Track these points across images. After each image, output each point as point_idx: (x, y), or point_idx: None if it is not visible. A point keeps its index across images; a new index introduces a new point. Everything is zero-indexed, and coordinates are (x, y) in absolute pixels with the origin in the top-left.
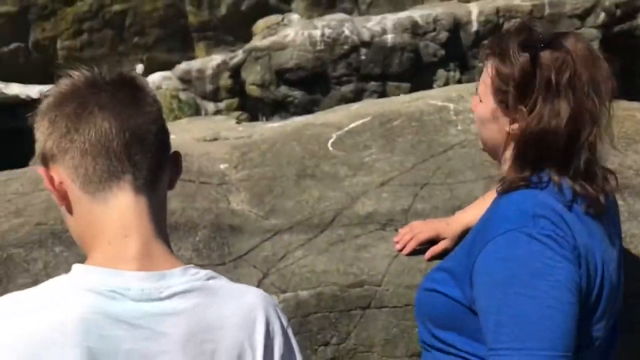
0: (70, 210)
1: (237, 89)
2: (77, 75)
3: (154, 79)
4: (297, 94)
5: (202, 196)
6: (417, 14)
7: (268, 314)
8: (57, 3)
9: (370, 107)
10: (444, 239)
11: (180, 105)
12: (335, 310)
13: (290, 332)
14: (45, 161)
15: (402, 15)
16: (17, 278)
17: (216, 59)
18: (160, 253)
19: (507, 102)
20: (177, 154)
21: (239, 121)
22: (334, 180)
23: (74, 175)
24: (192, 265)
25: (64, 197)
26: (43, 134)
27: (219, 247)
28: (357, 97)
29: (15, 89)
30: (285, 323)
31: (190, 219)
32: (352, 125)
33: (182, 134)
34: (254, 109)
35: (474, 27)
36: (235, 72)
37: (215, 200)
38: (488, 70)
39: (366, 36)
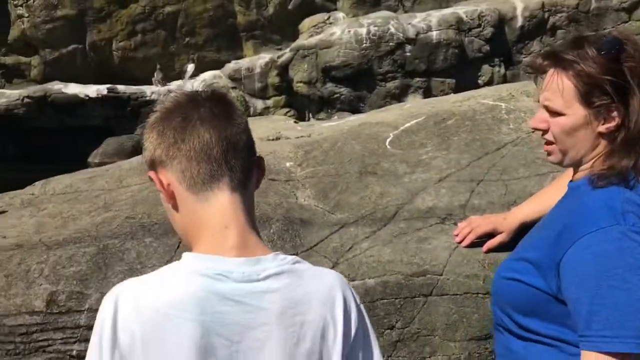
0: (176, 208)
1: (285, 86)
2: (179, 93)
3: (205, 77)
4: (343, 90)
5: (272, 192)
6: (461, 10)
7: (345, 293)
8: (112, 5)
9: (422, 106)
10: (500, 233)
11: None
12: (400, 296)
13: (362, 308)
14: (154, 166)
15: (447, 11)
16: (114, 266)
17: (264, 57)
18: (254, 242)
19: (602, 103)
20: (260, 158)
21: (296, 121)
22: (394, 176)
23: (181, 178)
24: (279, 252)
25: (172, 197)
26: (152, 143)
27: (291, 238)
28: (402, 93)
29: (74, 89)
30: (358, 301)
31: (265, 212)
32: (407, 124)
33: None
34: (300, 105)
35: (519, 22)
36: (283, 70)
37: (284, 195)
38: (562, 82)
39: (411, 33)
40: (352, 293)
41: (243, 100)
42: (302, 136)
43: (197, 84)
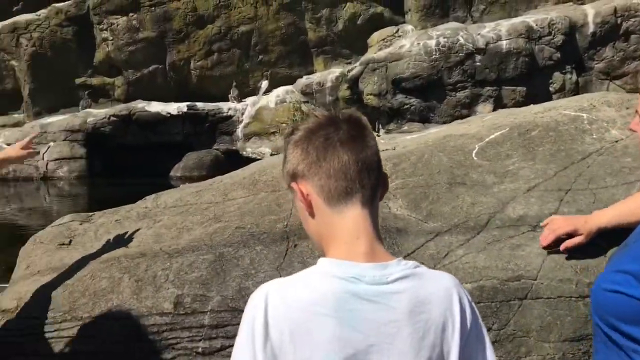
0: (312, 215)
1: (355, 99)
2: (320, 114)
3: (278, 93)
4: (413, 101)
5: None
6: (531, 18)
7: (459, 293)
8: (190, 27)
9: (503, 118)
10: (580, 234)
11: (303, 117)
12: (495, 300)
13: (474, 305)
14: (295, 178)
15: (516, 20)
16: (231, 271)
17: (335, 72)
18: (380, 249)
19: None
20: (385, 175)
21: (378, 134)
22: (483, 187)
23: (319, 192)
24: (401, 258)
25: (309, 206)
26: (296, 158)
27: (389, 246)
28: (472, 102)
29: (157, 107)
30: (470, 299)
31: None
32: (491, 136)
33: None
34: (370, 117)
35: (590, 28)
36: (353, 83)
37: None
38: None
39: (481, 43)
40: (465, 292)
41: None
42: (387, 149)
43: (270, 99)
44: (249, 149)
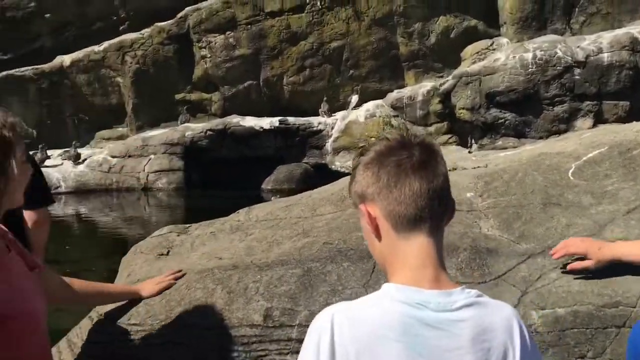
0: (378, 238)
1: (447, 113)
2: (392, 137)
3: (368, 107)
4: (507, 115)
5: (457, 221)
6: (636, 29)
7: (519, 322)
8: (284, 44)
9: (602, 136)
10: (590, 259)
11: (392, 131)
12: (590, 327)
13: (530, 335)
14: (364, 199)
15: (620, 32)
16: (319, 287)
17: (426, 85)
18: (444, 277)
19: None
20: (453, 201)
21: (470, 151)
22: (580, 208)
23: (387, 217)
24: (464, 286)
25: (376, 229)
26: (366, 180)
27: (479, 267)
28: (571, 117)
29: (250, 122)
30: (527, 329)
31: (452, 242)
32: (589, 155)
33: None
34: (462, 131)
35: None
36: (445, 97)
37: (468, 225)
38: None
39: (580, 56)
40: (522, 322)
41: (405, 128)
42: (478, 167)
43: (360, 113)
44: (337, 163)
